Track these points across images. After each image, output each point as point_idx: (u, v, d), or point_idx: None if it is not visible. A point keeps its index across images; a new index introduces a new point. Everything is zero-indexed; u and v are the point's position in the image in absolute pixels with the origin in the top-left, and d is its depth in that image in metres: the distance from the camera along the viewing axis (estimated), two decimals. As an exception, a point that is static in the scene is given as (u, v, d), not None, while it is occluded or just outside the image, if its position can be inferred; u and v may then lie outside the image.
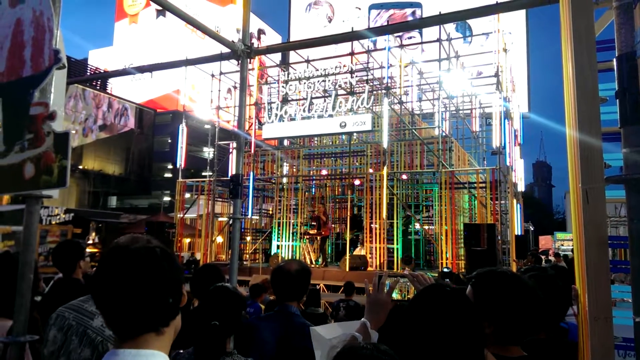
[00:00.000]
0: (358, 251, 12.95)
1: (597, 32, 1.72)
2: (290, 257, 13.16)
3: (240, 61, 3.54)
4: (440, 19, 4.80)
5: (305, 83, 12.93)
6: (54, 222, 11.59)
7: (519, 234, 13.86)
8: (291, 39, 26.91)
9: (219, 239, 15.27)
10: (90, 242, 17.81)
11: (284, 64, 17.37)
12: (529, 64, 26.36)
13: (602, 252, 1.17)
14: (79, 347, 1.74)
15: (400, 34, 13.06)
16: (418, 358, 1.31)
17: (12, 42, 2.05)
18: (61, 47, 1.92)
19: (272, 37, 42.39)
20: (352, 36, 6.05)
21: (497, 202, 11.79)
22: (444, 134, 12.48)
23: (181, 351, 2.03)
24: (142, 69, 4.52)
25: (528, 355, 1.61)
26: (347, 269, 11.61)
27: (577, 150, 1.20)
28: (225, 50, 3.64)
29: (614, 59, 1.21)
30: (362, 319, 1.72)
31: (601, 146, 1.19)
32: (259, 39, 38.73)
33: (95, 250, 15.17)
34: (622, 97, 1.16)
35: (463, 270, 10.84)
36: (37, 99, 1.79)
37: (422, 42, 13.59)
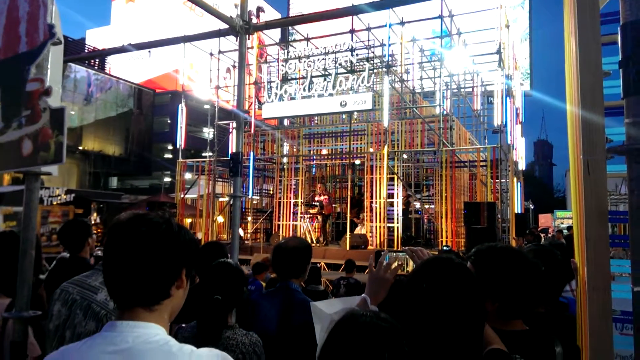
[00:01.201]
0: (358, 230, 13.02)
1: (602, 4, 1.69)
2: (290, 236, 13.22)
3: (238, 37, 3.49)
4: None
5: (305, 61, 12.79)
6: (55, 203, 11.63)
7: (519, 212, 13.90)
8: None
9: (220, 219, 15.34)
10: (92, 222, 17.89)
11: (284, 42, 17.17)
12: (532, 41, 26.07)
13: (602, 223, 1.17)
14: (83, 320, 1.77)
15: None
16: (417, 331, 1.31)
17: (7, 18, 2.02)
18: (56, 23, 1.88)
19: (271, 15, 41.79)
20: (351, 11, 5.96)
21: (497, 180, 11.79)
22: (445, 113, 12.39)
23: (183, 325, 2.06)
24: (140, 46, 4.46)
25: (529, 328, 1.62)
26: (348, 248, 11.70)
27: (578, 122, 1.19)
28: (224, 26, 3.59)
29: (618, 28, 1.18)
30: (363, 295, 1.73)
31: (603, 117, 1.17)
32: (257, 17, 38.17)
33: (98, 230, 15.26)
34: (625, 67, 1.14)
35: (463, 248, 10.91)
36: (33, 75, 1.77)
37: (423, 19, 13.37)
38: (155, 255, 1.11)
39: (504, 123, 11.60)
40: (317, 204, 12.86)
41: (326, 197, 12.94)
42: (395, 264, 1.75)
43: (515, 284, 1.53)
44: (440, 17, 12.22)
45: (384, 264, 1.73)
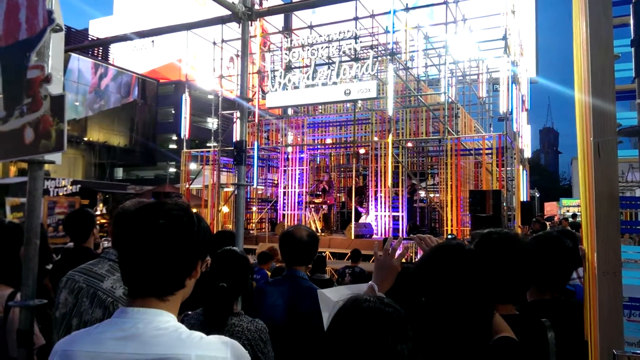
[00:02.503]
0: (363, 219, 13.02)
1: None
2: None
3: (241, 24, 3.45)
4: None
5: (308, 50, 12.69)
6: (61, 194, 11.68)
7: (525, 200, 13.83)
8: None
9: (225, 209, 15.37)
10: (97, 213, 17.95)
11: (287, 30, 17.04)
12: (537, 27, 25.70)
13: (612, 206, 1.15)
14: (90, 308, 1.77)
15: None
16: (426, 317, 1.30)
17: (7, 5, 2.00)
18: (56, 9, 1.86)
19: (274, 1, 41.48)
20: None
21: (503, 168, 11.72)
22: (450, 100, 12.29)
23: (190, 312, 2.06)
24: (141, 34, 4.43)
25: (519, 313, 1.62)
26: (353, 237, 11.70)
27: (588, 102, 1.16)
28: (226, 13, 3.54)
29: (630, 7, 1.15)
30: (370, 282, 1.72)
31: (614, 97, 1.14)
32: (260, 4, 37.92)
33: (104, 221, 15.33)
34: (637, 46, 1.11)
35: (468, 236, 10.88)
36: (33, 62, 1.76)
37: (428, 5, 13.24)
38: (176, 249, 1.12)
39: (510, 110, 11.48)
40: (321, 192, 12.88)
41: (326, 178, 13.03)
42: (400, 251, 1.74)
43: (504, 269, 1.53)
44: (446, 2, 12.06)
45: (390, 250, 1.72)
